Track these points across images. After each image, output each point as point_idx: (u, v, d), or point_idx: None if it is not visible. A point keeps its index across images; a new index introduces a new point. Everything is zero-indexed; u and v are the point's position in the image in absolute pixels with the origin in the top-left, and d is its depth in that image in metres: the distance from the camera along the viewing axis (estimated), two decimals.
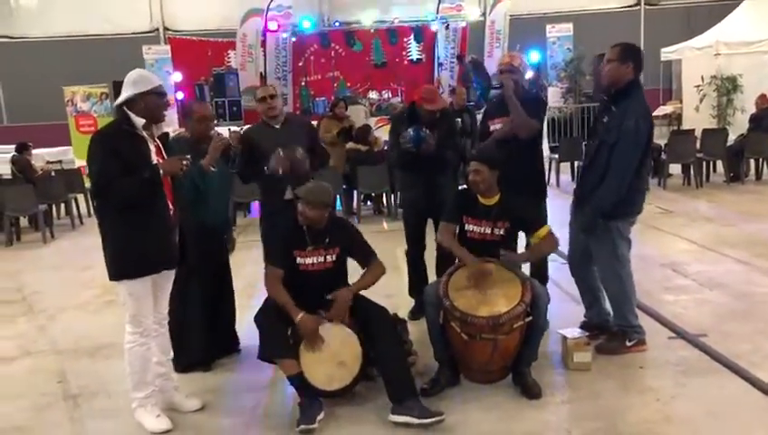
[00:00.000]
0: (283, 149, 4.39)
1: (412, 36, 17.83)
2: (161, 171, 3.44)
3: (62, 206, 11.08)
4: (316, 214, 3.82)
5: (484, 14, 17.96)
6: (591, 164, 4.19)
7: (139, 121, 3.47)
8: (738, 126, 13.17)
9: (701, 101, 15.33)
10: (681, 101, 16.91)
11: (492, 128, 4.77)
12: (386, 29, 17.87)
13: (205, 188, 4.23)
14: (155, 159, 3.53)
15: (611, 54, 4.12)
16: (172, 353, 4.07)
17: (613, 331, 4.39)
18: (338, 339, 3.74)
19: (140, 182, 3.40)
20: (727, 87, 15.07)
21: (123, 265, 3.50)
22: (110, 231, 3.53)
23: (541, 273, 4.62)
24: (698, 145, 10.83)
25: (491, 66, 16.31)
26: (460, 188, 4.94)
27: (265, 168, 4.44)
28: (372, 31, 17.73)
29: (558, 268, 5.05)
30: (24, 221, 10.32)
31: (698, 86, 15.36)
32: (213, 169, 4.24)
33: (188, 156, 3.60)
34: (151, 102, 3.49)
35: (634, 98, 4.08)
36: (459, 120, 8.30)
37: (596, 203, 4.10)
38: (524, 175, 4.48)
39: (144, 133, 3.51)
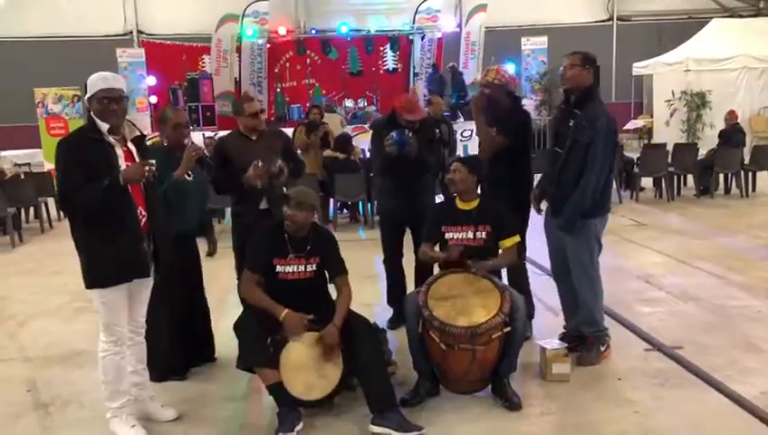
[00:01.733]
0: (261, 162, 4.35)
1: (388, 45, 17.89)
2: (121, 179, 3.31)
3: (32, 209, 10.87)
4: (304, 216, 3.79)
5: (459, 26, 18.05)
6: (565, 166, 4.24)
7: (104, 126, 3.38)
8: (707, 141, 13.42)
9: (671, 115, 15.62)
10: (652, 116, 17.19)
11: None
12: (362, 38, 17.90)
13: (178, 197, 4.16)
14: (123, 164, 3.42)
15: (573, 60, 4.23)
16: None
17: (589, 340, 4.41)
18: (318, 348, 3.70)
19: (102, 190, 3.29)
20: (697, 103, 15.38)
21: (93, 274, 3.43)
22: (80, 240, 3.46)
23: (519, 286, 4.61)
24: (670, 159, 11.00)
25: (467, 77, 16.47)
26: (437, 202, 4.98)
27: (242, 180, 4.39)
28: (348, 39, 17.74)
29: (535, 279, 5.08)
30: None
31: (669, 101, 15.65)
32: (188, 177, 4.18)
33: (152, 161, 3.45)
34: (95, 107, 3.40)
35: (597, 100, 4.27)
36: (437, 130, 8.31)
37: (576, 201, 4.17)
38: (509, 188, 4.54)
39: (111, 139, 3.41)
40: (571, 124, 4.22)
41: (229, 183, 4.53)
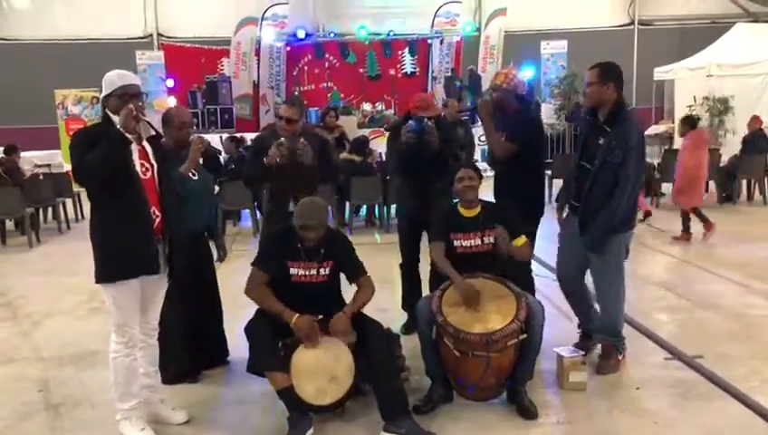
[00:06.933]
0: (284, 139, 4.41)
1: (407, 49, 17.85)
2: (119, 125, 3.29)
3: (50, 210, 10.94)
4: (317, 233, 3.75)
5: (479, 29, 17.98)
6: (594, 185, 4.13)
7: (117, 120, 3.36)
8: (729, 147, 13.23)
9: None
10: (673, 121, 16.97)
11: None
12: (380, 41, 17.88)
13: (185, 196, 4.12)
14: (137, 161, 3.43)
15: (591, 77, 4.13)
16: None
17: (606, 347, 4.33)
18: (330, 353, 3.65)
19: (107, 146, 3.25)
20: (719, 108, 15.15)
21: (103, 268, 3.43)
22: (94, 233, 3.46)
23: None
24: None
25: (485, 82, 16.39)
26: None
27: (264, 159, 4.41)
28: (367, 43, 17.73)
29: (548, 284, 4.99)
30: (9, 224, 10.16)
31: (690, 106, 15.43)
32: (193, 175, 4.16)
33: (141, 103, 3.46)
34: (114, 103, 3.41)
35: (628, 118, 4.12)
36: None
37: (606, 220, 4.08)
38: (521, 192, 4.47)
39: (126, 134, 3.38)
40: (601, 142, 4.10)
41: (260, 176, 4.61)
